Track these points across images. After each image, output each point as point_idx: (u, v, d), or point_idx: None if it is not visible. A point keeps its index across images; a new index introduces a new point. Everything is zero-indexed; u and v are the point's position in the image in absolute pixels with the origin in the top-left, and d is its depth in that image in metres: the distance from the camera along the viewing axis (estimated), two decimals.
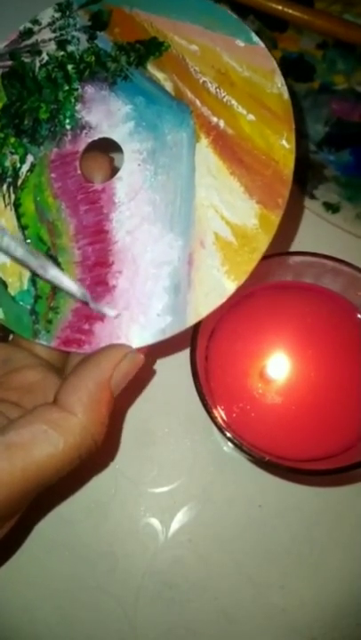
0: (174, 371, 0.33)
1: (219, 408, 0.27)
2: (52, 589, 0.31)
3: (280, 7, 0.34)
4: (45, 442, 0.20)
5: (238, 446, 0.25)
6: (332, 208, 0.34)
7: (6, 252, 0.22)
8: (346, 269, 0.27)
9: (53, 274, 0.22)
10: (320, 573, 0.31)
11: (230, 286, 0.22)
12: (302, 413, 0.27)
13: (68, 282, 0.23)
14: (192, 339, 0.25)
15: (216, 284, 0.22)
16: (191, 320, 0.22)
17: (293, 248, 0.34)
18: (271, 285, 0.29)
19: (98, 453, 0.22)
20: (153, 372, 0.33)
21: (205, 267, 0.22)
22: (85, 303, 0.23)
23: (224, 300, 0.22)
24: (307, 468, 0.25)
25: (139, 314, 0.23)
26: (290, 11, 0.34)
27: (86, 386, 0.21)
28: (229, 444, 0.26)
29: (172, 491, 0.32)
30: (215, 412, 0.25)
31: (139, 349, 0.23)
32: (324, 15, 0.35)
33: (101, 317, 0.23)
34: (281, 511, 0.32)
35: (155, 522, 0.32)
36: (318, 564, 0.31)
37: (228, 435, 0.25)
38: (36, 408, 0.21)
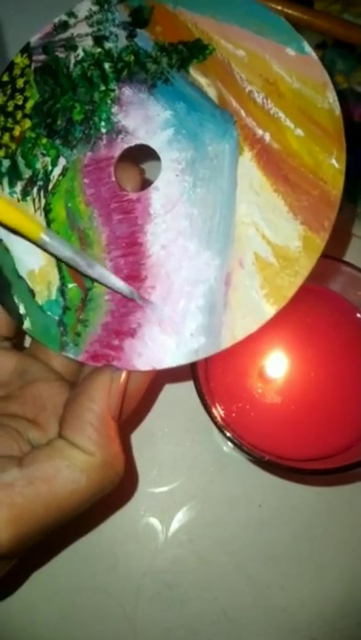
0: (174, 371, 0.33)
1: (218, 408, 0.27)
2: (52, 589, 0.30)
3: (280, 7, 0.34)
4: (69, 478, 0.20)
5: (238, 446, 0.25)
6: None
7: (54, 253, 0.20)
8: (346, 269, 0.27)
9: (100, 272, 0.21)
10: (320, 573, 0.31)
11: (269, 310, 0.20)
12: (302, 413, 0.27)
13: (115, 279, 0.22)
14: None
15: (254, 307, 0.21)
16: (226, 342, 0.21)
17: None
18: None
19: (121, 483, 0.22)
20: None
21: (243, 288, 0.21)
22: (133, 300, 0.22)
23: (262, 324, 0.21)
24: (307, 467, 0.24)
25: (171, 332, 0.21)
26: (290, 11, 0.34)
27: (91, 424, 0.20)
28: (229, 443, 0.26)
29: (172, 491, 0.31)
30: (215, 412, 0.25)
31: (148, 372, 0.22)
32: (324, 15, 0.35)
33: (132, 334, 0.22)
34: (281, 511, 0.31)
35: (155, 522, 0.31)
36: (318, 564, 0.31)
37: (228, 434, 0.25)
38: (52, 442, 0.21)
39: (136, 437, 0.32)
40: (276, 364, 0.27)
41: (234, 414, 0.27)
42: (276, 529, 0.31)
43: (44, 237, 0.19)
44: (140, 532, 0.31)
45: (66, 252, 0.20)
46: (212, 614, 0.30)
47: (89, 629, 0.30)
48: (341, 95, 0.36)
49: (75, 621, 0.30)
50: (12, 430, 0.23)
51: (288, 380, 0.27)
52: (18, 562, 0.23)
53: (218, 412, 0.27)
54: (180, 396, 0.32)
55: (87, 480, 0.20)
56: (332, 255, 0.26)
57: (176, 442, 0.32)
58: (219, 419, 0.25)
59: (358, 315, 0.29)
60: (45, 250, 0.20)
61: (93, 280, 0.22)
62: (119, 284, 0.22)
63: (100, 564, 0.31)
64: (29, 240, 0.20)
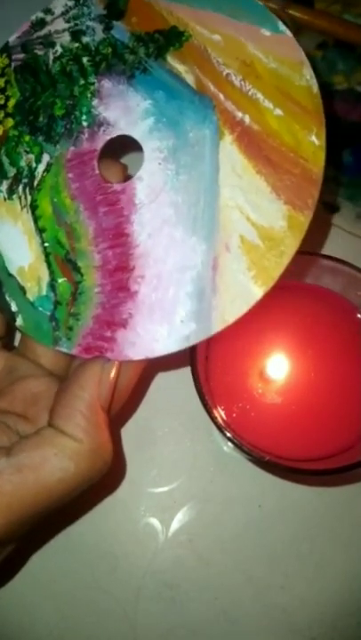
0: (174, 371, 0.33)
1: (219, 408, 0.27)
2: (52, 589, 0.30)
3: (280, 7, 0.34)
4: (57, 466, 0.20)
5: (238, 446, 0.24)
6: (332, 208, 0.34)
7: None
8: (346, 269, 0.26)
9: None
10: (320, 573, 0.30)
11: (257, 292, 0.20)
12: (302, 413, 0.27)
13: None
14: None
15: (242, 290, 0.21)
16: (217, 327, 0.21)
17: None
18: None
19: (109, 472, 0.22)
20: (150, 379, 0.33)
21: (231, 271, 0.21)
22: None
23: (251, 306, 0.20)
24: (307, 467, 0.24)
25: (162, 320, 0.21)
26: (290, 11, 0.34)
27: (80, 412, 0.21)
28: (229, 443, 0.26)
29: (172, 491, 0.31)
30: (215, 412, 0.25)
31: (140, 361, 0.22)
32: (324, 15, 0.35)
33: (123, 324, 0.22)
34: (281, 511, 0.31)
35: (155, 522, 0.31)
36: (318, 564, 0.30)
37: (228, 435, 0.24)
38: (40, 430, 0.21)
39: (136, 437, 0.32)
40: (277, 365, 0.27)
41: (234, 414, 0.27)
42: (276, 529, 0.31)
43: None
44: (140, 531, 0.31)
45: None
46: (212, 614, 0.30)
47: (89, 629, 0.30)
48: (342, 95, 0.36)
49: (75, 621, 0.30)
50: (1, 424, 0.23)
51: (288, 380, 0.27)
52: (15, 550, 0.23)
53: (218, 412, 0.27)
54: (180, 395, 0.32)
55: (75, 467, 0.20)
56: (332, 255, 0.26)
57: (176, 442, 0.32)
58: (219, 419, 0.25)
59: (358, 315, 0.29)
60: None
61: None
62: None
63: (100, 564, 0.30)
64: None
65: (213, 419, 0.24)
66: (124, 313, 0.22)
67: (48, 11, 0.26)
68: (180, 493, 0.31)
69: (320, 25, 0.34)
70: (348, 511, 0.31)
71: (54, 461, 0.20)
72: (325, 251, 0.29)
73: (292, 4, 0.34)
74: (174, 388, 0.32)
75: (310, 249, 0.27)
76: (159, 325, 0.22)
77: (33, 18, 0.26)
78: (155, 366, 0.32)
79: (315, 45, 0.35)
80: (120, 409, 0.23)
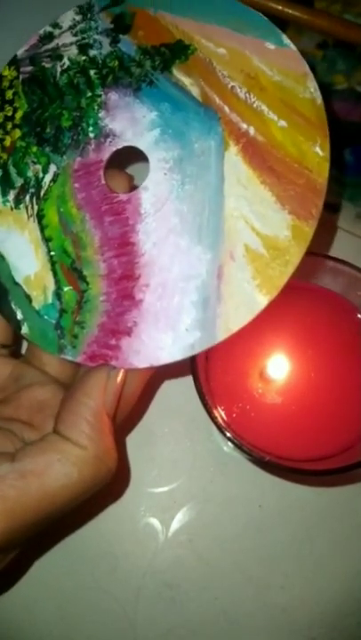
0: (171, 367, 0.33)
1: (219, 408, 0.27)
2: (52, 589, 0.30)
3: (280, 7, 0.34)
4: (60, 472, 0.19)
5: (238, 446, 0.24)
6: (332, 208, 0.34)
7: None
8: (346, 269, 0.26)
9: None
10: (320, 573, 0.30)
11: (262, 300, 0.21)
12: (302, 413, 0.27)
13: None
14: None
15: (247, 298, 0.21)
16: (221, 335, 0.21)
17: None
18: None
19: (114, 479, 0.22)
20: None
21: (236, 280, 0.21)
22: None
23: (255, 314, 0.21)
24: (307, 468, 0.24)
25: (167, 328, 0.22)
26: (290, 10, 0.34)
27: (85, 419, 0.20)
28: (229, 443, 0.26)
29: (172, 491, 0.31)
30: (215, 412, 0.25)
31: (147, 369, 0.22)
32: (324, 15, 0.34)
33: (128, 332, 0.22)
34: (281, 511, 0.31)
35: (155, 522, 0.31)
36: (318, 564, 0.30)
37: (228, 435, 0.24)
38: (45, 437, 0.21)
39: (136, 437, 0.32)
40: (277, 365, 0.27)
41: (234, 414, 0.27)
42: (276, 529, 0.31)
43: None
44: (140, 532, 0.31)
45: None
46: (212, 614, 0.30)
47: (89, 629, 0.30)
48: (342, 95, 0.36)
49: (75, 621, 0.30)
50: (7, 431, 0.23)
51: (288, 380, 0.27)
52: (18, 557, 0.23)
53: (218, 412, 0.27)
54: (180, 396, 0.32)
55: (79, 474, 0.20)
56: (332, 255, 0.26)
57: (176, 442, 0.32)
58: (219, 419, 0.25)
59: (358, 315, 0.29)
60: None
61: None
62: None
63: (100, 564, 0.31)
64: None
65: (213, 419, 0.24)
66: (129, 321, 0.22)
67: (56, 25, 0.26)
68: (180, 493, 0.31)
69: (320, 25, 0.34)
70: (349, 511, 0.31)
71: (58, 467, 0.20)
72: (325, 251, 0.29)
73: (292, 4, 0.34)
74: (174, 388, 0.32)
75: (310, 249, 0.27)
76: (164, 333, 0.22)
77: (41, 32, 0.26)
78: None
79: (315, 45, 0.35)
80: (126, 417, 0.23)
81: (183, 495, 0.31)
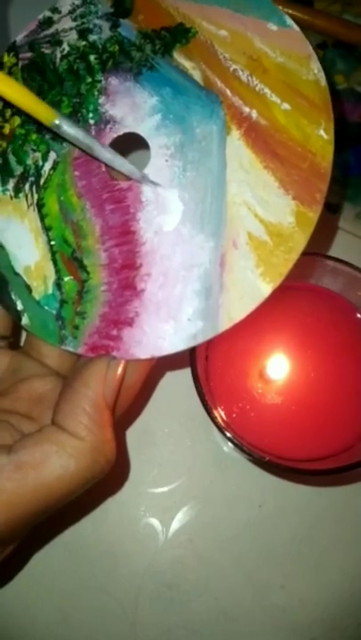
0: (174, 371, 0.33)
1: (219, 408, 0.27)
2: (52, 589, 0.30)
3: (280, 7, 0.34)
4: (57, 463, 0.19)
5: (238, 446, 0.24)
6: (332, 208, 0.34)
7: (67, 138, 0.20)
8: (346, 269, 0.26)
9: (110, 157, 0.21)
10: (320, 573, 0.30)
11: (266, 289, 0.20)
12: (302, 413, 0.27)
13: (123, 162, 0.21)
14: None
15: (250, 287, 0.20)
16: (224, 325, 0.20)
17: None
18: None
19: (112, 471, 0.21)
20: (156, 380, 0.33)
21: (239, 268, 0.20)
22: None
23: (259, 303, 0.20)
24: (307, 467, 0.24)
25: (168, 318, 0.21)
26: (290, 11, 0.34)
27: (84, 409, 0.20)
28: (229, 443, 0.26)
29: (172, 491, 0.31)
30: (215, 412, 0.25)
31: (146, 359, 0.22)
32: (324, 15, 0.35)
33: (130, 323, 0.22)
34: (281, 511, 0.31)
35: (155, 522, 0.31)
36: (318, 564, 0.30)
37: (228, 435, 0.24)
38: (42, 428, 0.20)
39: (136, 437, 0.32)
40: (277, 365, 0.27)
41: (234, 414, 0.27)
42: (276, 529, 0.31)
43: (57, 122, 0.19)
44: (140, 532, 0.31)
45: (79, 136, 0.20)
46: (212, 614, 0.30)
47: (89, 629, 0.30)
48: (341, 95, 0.36)
49: (75, 621, 0.30)
50: (5, 423, 0.22)
51: (288, 380, 0.27)
52: (16, 550, 0.23)
53: (218, 412, 0.27)
54: (180, 396, 0.32)
55: (75, 465, 0.20)
56: (332, 255, 0.26)
57: (176, 442, 0.32)
58: (219, 419, 0.25)
59: (358, 315, 0.29)
60: (58, 134, 0.20)
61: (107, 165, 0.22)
62: (129, 166, 0.22)
63: (100, 564, 0.30)
64: (42, 124, 0.19)
65: (213, 419, 0.24)
66: (130, 311, 0.22)
67: (55, 9, 0.25)
68: (180, 493, 0.31)
69: (320, 25, 0.34)
70: (349, 511, 0.31)
71: (54, 459, 0.19)
72: (325, 251, 0.29)
73: (292, 4, 0.34)
74: (174, 387, 0.32)
75: (310, 249, 0.27)
76: (166, 323, 0.21)
77: (40, 17, 0.25)
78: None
79: (315, 45, 0.35)
80: (127, 409, 0.23)
81: (183, 495, 0.31)
